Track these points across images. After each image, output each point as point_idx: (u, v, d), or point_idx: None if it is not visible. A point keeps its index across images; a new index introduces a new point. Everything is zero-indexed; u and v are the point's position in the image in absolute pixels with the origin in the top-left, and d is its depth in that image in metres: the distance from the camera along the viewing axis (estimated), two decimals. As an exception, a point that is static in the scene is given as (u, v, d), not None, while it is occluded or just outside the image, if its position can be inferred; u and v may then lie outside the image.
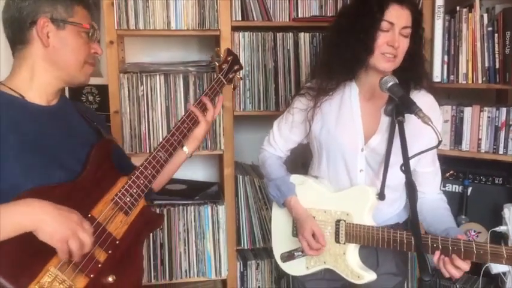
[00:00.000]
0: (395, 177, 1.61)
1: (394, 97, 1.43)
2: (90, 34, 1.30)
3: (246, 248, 2.39)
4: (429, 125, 1.30)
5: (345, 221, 1.64)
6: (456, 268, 1.42)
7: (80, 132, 1.35)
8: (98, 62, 2.39)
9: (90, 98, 2.65)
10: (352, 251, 1.64)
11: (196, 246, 2.32)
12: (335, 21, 1.70)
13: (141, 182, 1.35)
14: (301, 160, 1.95)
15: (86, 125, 1.40)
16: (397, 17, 1.51)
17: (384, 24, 1.51)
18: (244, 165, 2.56)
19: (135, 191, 1.33)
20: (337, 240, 1.65)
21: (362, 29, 1.52)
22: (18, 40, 1.25)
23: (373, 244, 1.57)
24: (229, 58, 1.75)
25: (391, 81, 1.45)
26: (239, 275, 2.40)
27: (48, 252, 1.10)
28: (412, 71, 1.60)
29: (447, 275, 1.45)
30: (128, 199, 1.30)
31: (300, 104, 1.75)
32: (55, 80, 1.27)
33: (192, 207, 2.31)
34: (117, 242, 1.26)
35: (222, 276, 2.36)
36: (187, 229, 2.31)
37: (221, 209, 2.31)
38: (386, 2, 1.51)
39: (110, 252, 1.23)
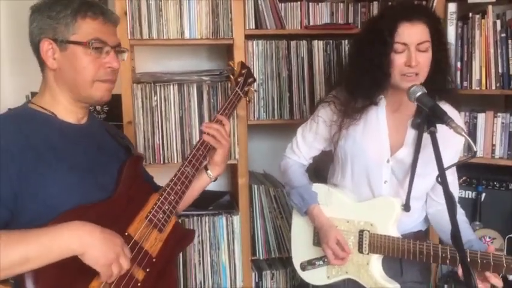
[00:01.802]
0: (420, 189, 1.62)
1: (424, 107, 1.41)
2: (96, 49, 1.20)
3: (261, 258, 2.36)
4: (462, 135, 1.29)
5: (368, 231, 1.63)
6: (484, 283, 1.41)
7: (110, 150, 1.34)
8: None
9: (98, 107, 2.63)
10: (376, 261, 1.63)
11: (211, 257, 2.29)
12: (352, 46, 1.69)
13: (172, 198, 1.34)
14: (312, 165, 1.93)
15: (114, 142, 1.39)
16: (409, 35, 1.48)
17: (397, 46, 1.49)
18: (257, 174, 2.54)
19: (167, 207, 1.31)
20: (360, 251, 1.64)
21: (376, 55, 1.51)
22: (39, 62, 1.24)
23: (398, 255, 1.56)
24: (243, 71, 1.75)
25: (420, 91, 1.43)
26: (254, 285, 2.37)
27: (87, 274, 1.09)
28: (437, 80, 1.57)
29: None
30: (161, 216, 1.29)
31: (325, 113, 1.74)
32: (74, 100, 1.24)
33: (207, 217, 2.28)
34: (154, 260, 1.25)
35: (237, 287, 2.33)
36: (202, 240, 2.28)
37: (236, 219, 2.29)
38: (394, 24, 1.49)
39: (147, 270, 1.22)
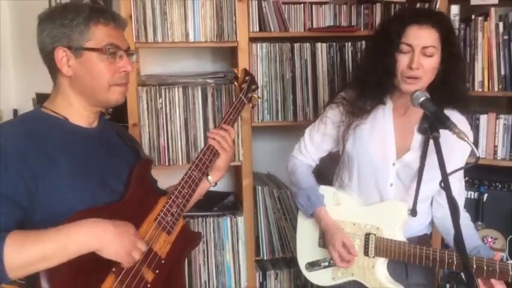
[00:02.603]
0: (426, 193, 1.64)
1: (427, 112, 1.43)
2: (111, 54, 1.22)
3: (265, 258, 2.39)
4: (465, 141, 1.30)
5: (375, 234, 1.64)
6: None
7: (120, 153, 1.37)
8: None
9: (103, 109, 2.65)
10: (381, 264, 1.64)
11: (215, 258, 2.31)
12: (366, 45, 1.71)
13: (180, 201, 1.36)
14: (315, 168, 1.95)
15: (124, 145, 1.41)
16: (415, 38, 1.49)
17: (403, 47, 1.50)
18: (260, 175, 2.56)
19: (175, 210, 1.34)
20: (366, 253, 1.65)
21: (382, 53, 1.53)
22: (50, 70, 1.25)
23: (404, 259, 1.57)
24: (247, 78, 1.78)
25: (423, 96, 1.45)
26: (258, 285, 2.40)
27: (100, 272, 1.14)
28: (443, 91, 1.56)
29: None
30: (170, 218, 1.32)
31: (333, 114, 1.76)
32: (88, 105, 1.27)
33: (211, 218, 2.30)
34: (163, 262, 1.28)
35: (242, 287, 2.35)
36: (206, 240, 2.30)
37: (240, 220, 2.31)
38: (403, 24, 1.50)
39: (157, 272, 1.25)
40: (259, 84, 2.00)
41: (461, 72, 1.64)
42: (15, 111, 2.83)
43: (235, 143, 2.26)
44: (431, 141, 1.53)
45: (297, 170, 1.86)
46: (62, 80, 1.24)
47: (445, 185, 1.27)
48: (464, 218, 1.69)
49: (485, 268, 1.41)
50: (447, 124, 1.35)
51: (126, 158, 1.37)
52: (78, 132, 1.25)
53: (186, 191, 1.39)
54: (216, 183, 1.61)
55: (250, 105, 1.83)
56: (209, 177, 1.57)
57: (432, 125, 1.40)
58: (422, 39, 1.49)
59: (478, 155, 1.29)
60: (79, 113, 1.26)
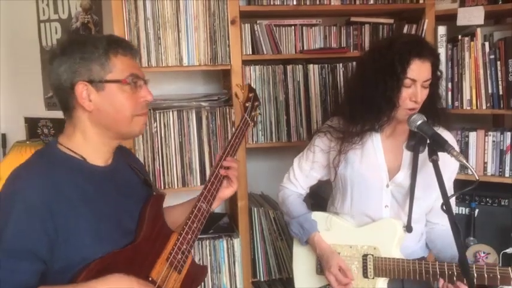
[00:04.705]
0: (420, 211, 1.67)
1: (425, 136, 1.46)
2: (133, 84, 1.21)
3: (262, 280, 2.38)
4: (464, 164, 1.34)
5: (372, 255, 1.65)
6: None
7: (133, 189, 1.34)
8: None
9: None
10: (382, 285, 1.65)
11: (212, 281, 2.30)
12: (358, 69, 1.73)
13: (190, 237, 1.32)
14: (311, 190, 1.96)
15: (136, 178, 1.39)
16: (418, 72, 1.54)
17: (407, 82, 1.54)
18: (254, 195, 2.56)
19: (185, 247, 1.31)
20: (365, 275, 1.66)
21: (386, 86, 1.55)
22: (63, 106, 1.22)
23: (404, 276, 1.59)
24: (251, 95, 1.69)
25: (420, 119, 1.49)
26: (255, 307, 2.39)
27: None
28: (431, 109, 1.63)
29: None
30: (180, 256, 1.29)
31: (321, 143, 1.77)
32: (108, 140, 1.24)
33: (208, 241, 2.29)
34: None
35: (239, 309, 2.34)
36: (203, 264, 2.29)
37: (236, 241, 2.30)
38: (407, 60, 1.53)
39: None
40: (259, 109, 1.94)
41: (440, 91, 1.71)
42: (3, 136, 2.80)
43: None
44: (420, 158, 1.60)
45: (287, 199, 1.87)
46: (80, 115, 1.20)
47: (447, 207, 1.30)
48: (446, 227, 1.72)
49: (485, 275, 1.44)
50: (445, 147, 1.39)
51: (139, 194, 1.35)
52: (95, 174, 1.22)
53: (196, 225, 1.34)
54: (213, 210, 1.59)
55: (253, 123, 1.72)
56: None
57: (430, 149, 1.44)
58: (424, 73, 1.55)
59: (477, 178, 1.32)
60: (96, 150, 1.23)
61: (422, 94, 1.56)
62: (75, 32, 2.62)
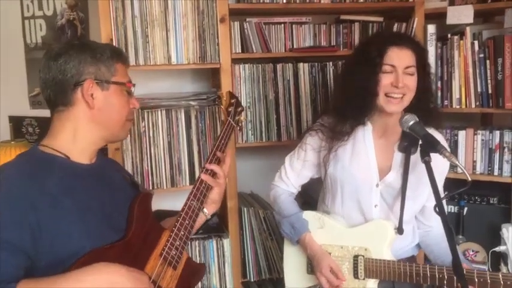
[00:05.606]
0: (410, 212, 1.66)
1: (417, 136, 1.45)
2: (131, 91, 1.30)
3: (252, 280, 2.37)
4: (456, 165, 1.33)
5: (363, 256, 1.64)
6: None
7: (120, 188, 1.35)
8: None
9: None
10: (372, 285, 1.65)
11: (201, 282, 2.27)
12: (342, 68, 1.73)
13: (182, 233, 1.34)
14: (302, 189, 1.95)
15: (122, 179, 1.40)
16: (397, 58, 1.55)
17: (386, 67, 1.55)
18: (244, 195, 2.54)
19: (178, 243, 1.32)
20: (355, 276, 1.65)
21: (364, 75, 1.56)
22: (60, 102, 1.23)
23: (395, 278, 1.58)
24: (232, 101, 1.76)
25: (412, 120, 1.48)
26: (245, 307, 2.38)
27: None
28: (422, 108, 1.62)
29: None
30: (174, 252, 1.30)
31: (312, 141, 1.76)
32: (98, 140, 1.27)
33: (197, 241, 2.27)
34: None
35: (229, 310, 2.33)
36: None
37: (226, 242, 2.29)
38: (384, 47, 1.55)
39: None
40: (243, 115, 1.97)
41: (432, 90, 1.72)
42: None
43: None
44: (411, 159, 1.60)
45: (279, 198, 1.85)
46: (77, 112, 1.22)
47: (440, 210, 1.30)
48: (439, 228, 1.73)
49: (476, 280, 1.43)
50: (437, 148, 1.38)
51: (126, 192, 1.35)
52: (80, 171, 1.23)
53: (187, 222, 1.36)
54: (212, 216, 1.58)
55: (238, 128, 1.81)
56: (204, 209, 1.54)
57: (423, 150, 1.43)
58: (404, 59, 1.55)
59: (469, 179, 1.31)
60: (82, 149, 1.24)
61: (407, 81, 1.55)
62: (60, 29, 2.58)
